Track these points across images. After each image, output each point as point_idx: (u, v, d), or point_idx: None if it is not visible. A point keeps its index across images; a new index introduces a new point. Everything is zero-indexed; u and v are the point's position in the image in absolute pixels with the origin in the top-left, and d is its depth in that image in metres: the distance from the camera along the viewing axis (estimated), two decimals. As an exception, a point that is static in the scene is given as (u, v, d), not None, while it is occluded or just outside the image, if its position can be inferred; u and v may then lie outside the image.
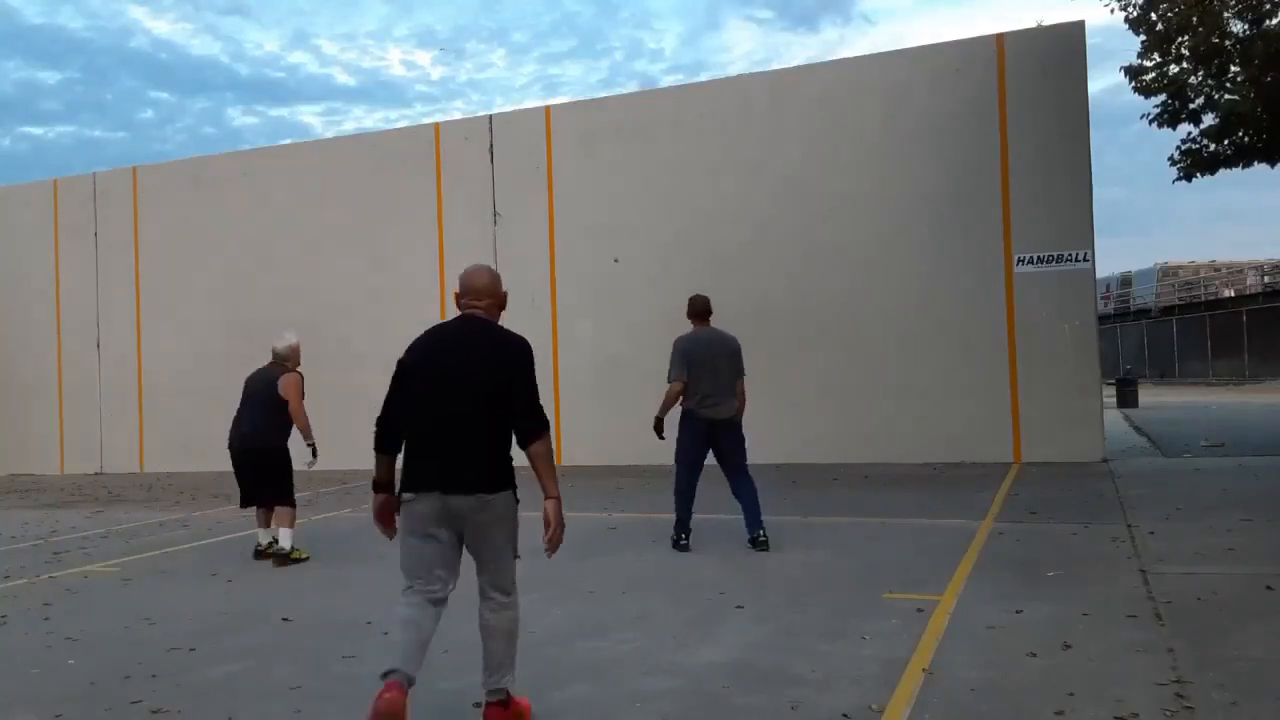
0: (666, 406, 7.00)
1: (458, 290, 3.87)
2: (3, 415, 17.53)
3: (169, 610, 5.78)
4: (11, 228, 17.71)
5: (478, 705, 3.77)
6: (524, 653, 4.57)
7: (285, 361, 7.66)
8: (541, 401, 3.74)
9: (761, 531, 6.83)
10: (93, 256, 17.07)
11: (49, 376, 17.29)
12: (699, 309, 7.19)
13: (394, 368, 3.83)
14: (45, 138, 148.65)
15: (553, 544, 3.66)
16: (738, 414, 7.02)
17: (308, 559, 7.27)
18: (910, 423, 12.35)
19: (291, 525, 7.31)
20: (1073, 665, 4.06)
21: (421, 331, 3.91)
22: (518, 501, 3.64)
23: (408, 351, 3.80)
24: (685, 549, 6.96)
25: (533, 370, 3.73)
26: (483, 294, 3.82)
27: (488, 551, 3.61)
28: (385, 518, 3.72)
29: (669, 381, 6.95)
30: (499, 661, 3.63)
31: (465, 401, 3.58)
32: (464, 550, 3.64)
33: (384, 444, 3.70)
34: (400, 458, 3.68)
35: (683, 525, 7.08)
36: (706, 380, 6.85)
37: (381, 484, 3.73)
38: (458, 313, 3.84)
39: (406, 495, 3.56)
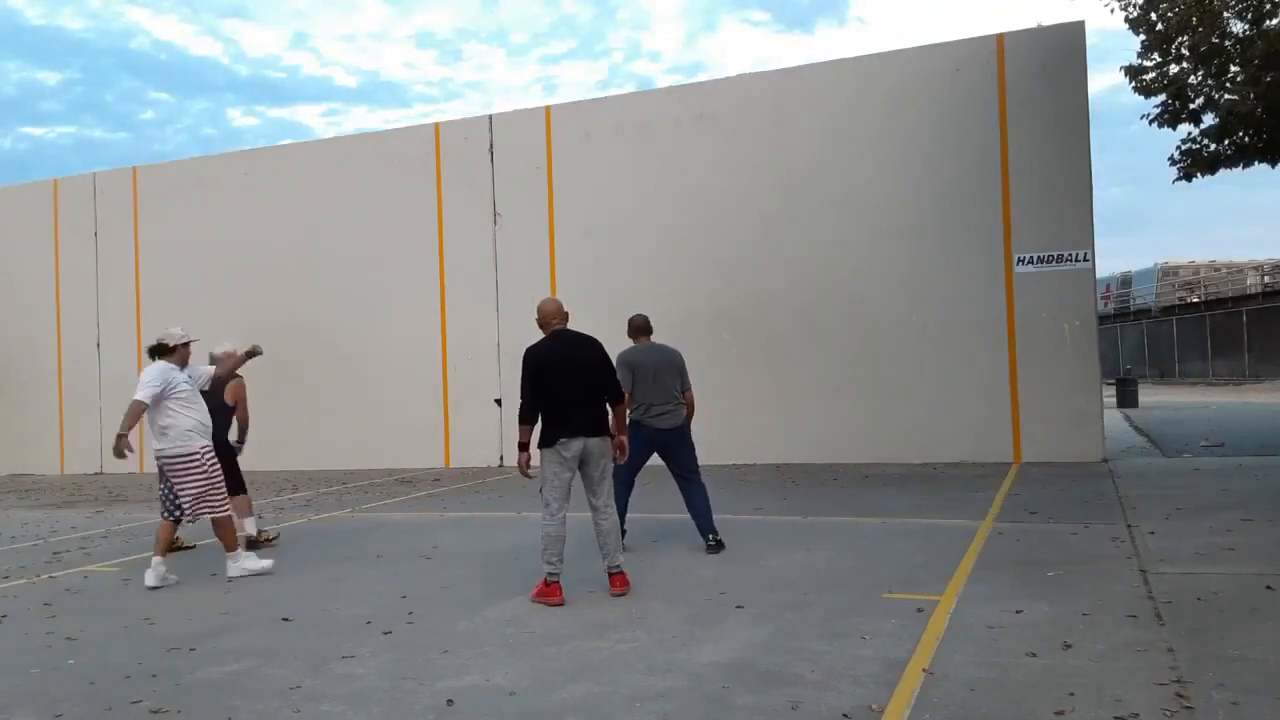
0: (621, 419, 6.98)
1: (541, 317, 5.90)
2: (3, 415, 17.54)
3: (169, 610, 5.78)
4: (11, 228, 17.72)
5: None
6: (524, 652, 4.58)
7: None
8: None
9: (714, 535, 6.98)
10: (93, 256, 17.08)
11: (49, 376, 17.30)
12: (639, 326, 7.32)
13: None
14: (46, 138, 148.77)
15: (619, 459, 5.92)
16: (685, 422, 7.18)
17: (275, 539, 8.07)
18: (910, 423, 12.36)
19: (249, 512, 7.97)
20: (1073, 665, 4.06)
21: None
22: None
23: (537, 356, 5.70)
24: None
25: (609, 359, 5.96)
26: (560, 316, 5.91)
27: (603, 476, 5.77)
28: (524, 468, 5.80)
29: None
30: (613, 548, 5.75)
31: (587, 381, 5.74)
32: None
33: (529, 418, 5.66)
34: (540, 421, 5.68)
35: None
36: (653, 391, 6.99)
37: (525, 445, 5.74)
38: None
39: (562, 440, 5.59)
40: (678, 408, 7.09)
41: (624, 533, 6.98)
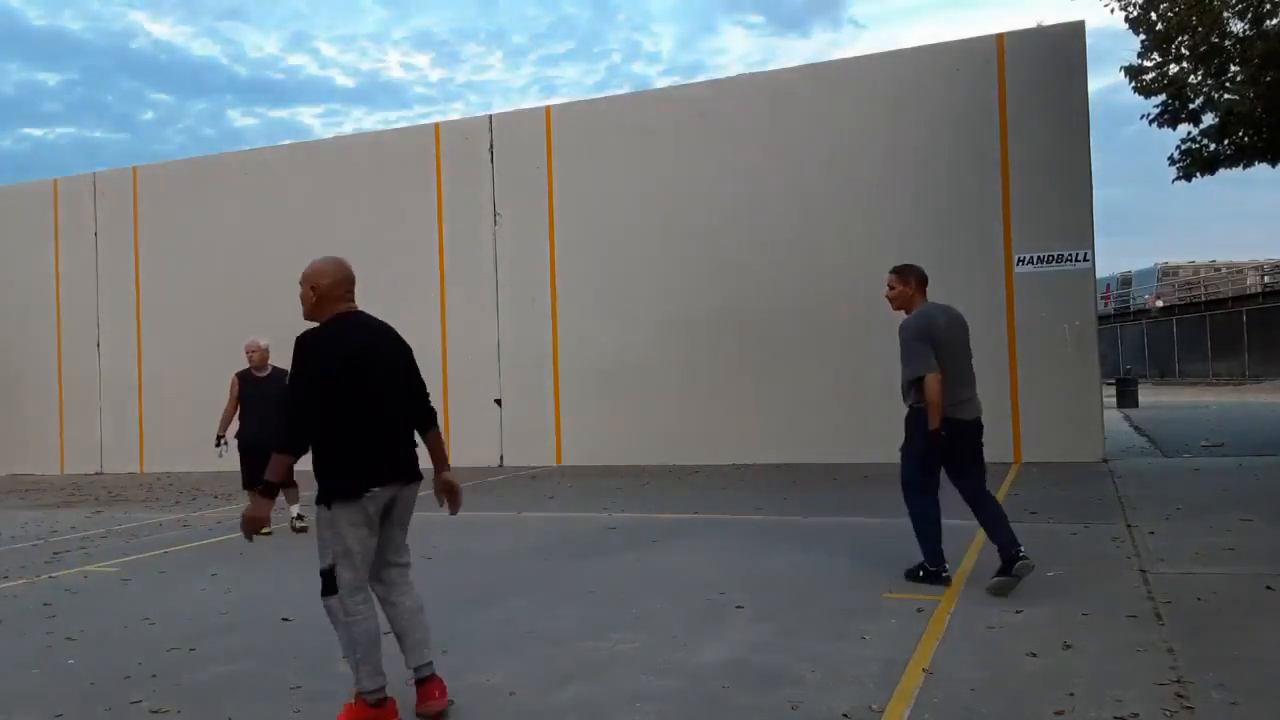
0: (938, 405, 5.31)
1: (323, 284, 3.80)
2: (3, 415, 17.53)
3: (169, 610, 5.78)
4: (11, 228, 17.71)
5: (450, 702, 3.73)
6: (524, 652, 4.58)
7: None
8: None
9: (1019, 549, 5.29)
10: (93, 256, 17.08)
11: (49, 376, 17.29)
12: (923, 277, 5.70)
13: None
14: (46, 138, 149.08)
15: (451, 509, 4.13)
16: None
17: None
18: (910, 423, 12.35)
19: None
20: (1073, 665, 4.06)
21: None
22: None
23: (340, 347, 3.74)
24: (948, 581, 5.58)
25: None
26: (349, 287, 3.91)
27: (404, 532, 4.05)
28: (260, 523, 3.77)
29: (917, 374, 5.36)
30: (422, 639, 3.83)
31: (405, 393, 3.96)
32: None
33: (297, 446, 3.72)
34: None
35: (937, 552, 5.63)
36: (951, 366, 5.38)
37: (275, 490, 3.74)
38: (358, 308, 3.94)
39: (373, 491, 3.65)
40: (975, 390, 5.59)
41: (938, 555, 5.57)
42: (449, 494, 4.01)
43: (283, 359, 8.73)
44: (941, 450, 5.41)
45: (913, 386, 5.42)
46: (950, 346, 5.43)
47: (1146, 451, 12.93)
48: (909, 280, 5.68)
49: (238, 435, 8.62)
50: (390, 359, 3.82)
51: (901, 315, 5.71)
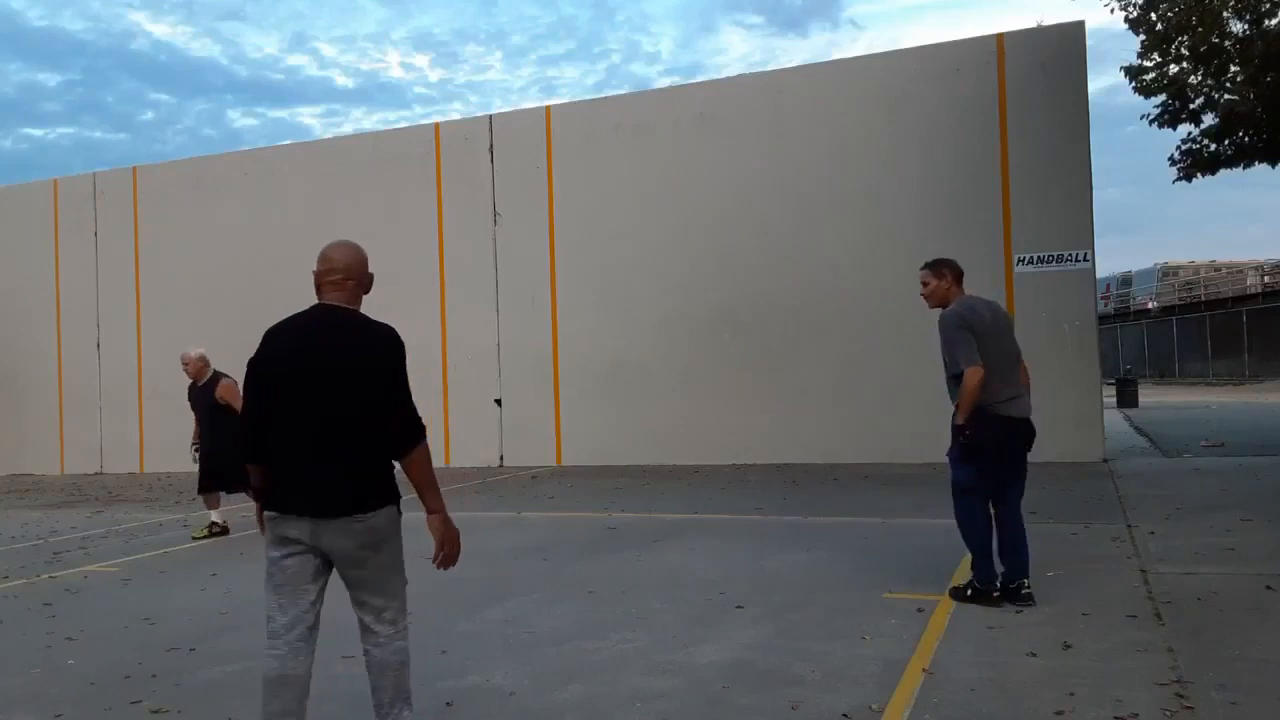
0: (970, 402, 4.95)
1: (317, 270, 3.29)
2: (3, 415, 17.53)
3: (169, 610, 5.78)
4: (11, 228, 17.71)
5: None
6: (524, 652, 4.57)
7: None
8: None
9: (1027, 583, 5.09)
10: (93, 256, 17.07)
11: (49, 376, 17.29)
12: (958, 271, 5.37)
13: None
14: (46, 139, 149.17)
15: (440, 564, 3.44)
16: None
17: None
18: (910, 423, 12.33)
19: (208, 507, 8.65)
20: (1073, 665, 4.06)
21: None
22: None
23: (260, 348, 3.34)
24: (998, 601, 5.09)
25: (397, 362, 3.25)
26: (348, 275, 3.25)
27: (372, 580, 3.48)
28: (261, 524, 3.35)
29: (962, 366, 4.97)
30: (389, 699, 3.38)
31: (333, 402, 3.17)
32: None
33: (251, 453, 3.31)
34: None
35: (988, 568, 5.14)
36: (996, 361, 5.00)
37: (259, 490, 3.36)
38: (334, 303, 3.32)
39: (270, 514, 3.21)
40: (1022, 387, 5.20)
41: (988, 572, 5.09)
42: (437, 541, 3.29)
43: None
44: (995, 452, 5.03)
45: (957, 382, 5.06)
46: (995, 340, 5.05)
47: (1147, 451, 12.93)
48: (944, 274, 5.31)
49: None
50: (329, 363, 3.08)
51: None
